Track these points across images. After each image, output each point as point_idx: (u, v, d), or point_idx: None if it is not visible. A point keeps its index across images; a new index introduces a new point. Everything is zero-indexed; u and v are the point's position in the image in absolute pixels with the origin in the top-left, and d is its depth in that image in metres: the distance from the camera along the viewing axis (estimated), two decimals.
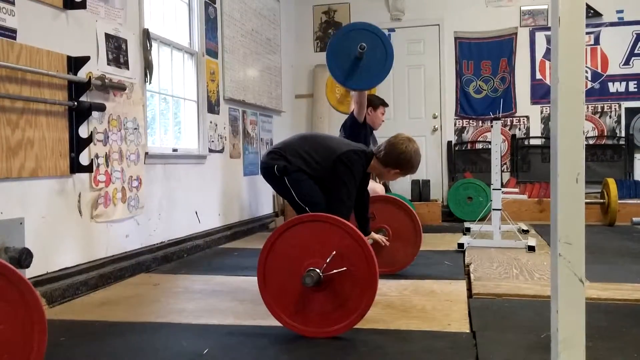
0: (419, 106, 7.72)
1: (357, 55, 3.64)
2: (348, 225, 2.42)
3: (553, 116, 1.33)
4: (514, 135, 7.48)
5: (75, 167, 3.39)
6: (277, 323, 2.49)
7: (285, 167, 3.11)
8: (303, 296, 2.44)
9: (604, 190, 6.27)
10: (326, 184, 3.12)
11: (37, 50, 3.12)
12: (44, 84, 3.17)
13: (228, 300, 3.16)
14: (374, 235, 3.50)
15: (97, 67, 3.63)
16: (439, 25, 7.66)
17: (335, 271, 2.38)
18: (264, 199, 6.66)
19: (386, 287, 3.33)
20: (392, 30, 7.67)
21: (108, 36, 3.75)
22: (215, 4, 5.45)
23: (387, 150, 3.14)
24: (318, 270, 2.38)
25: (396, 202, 3.75)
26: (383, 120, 4.78)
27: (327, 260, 2.38)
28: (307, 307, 2.45)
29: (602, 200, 6.29)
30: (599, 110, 7.25)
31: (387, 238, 3.60)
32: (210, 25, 5.34)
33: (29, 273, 2.93)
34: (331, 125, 7.32)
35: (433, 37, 7.71)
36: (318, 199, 3.10)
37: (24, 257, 2.79)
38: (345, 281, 2.40)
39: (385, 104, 4.77)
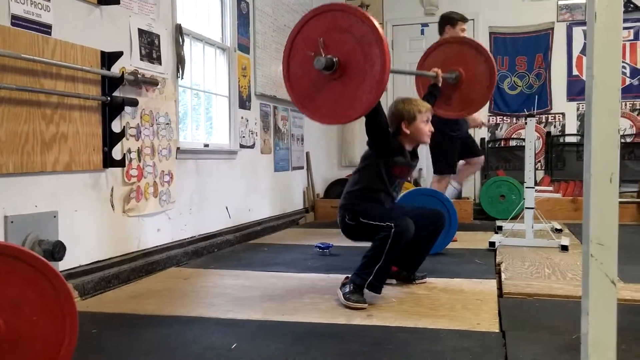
0: None
1: None
2: (359, 11, 2.64)
3: (587, 115, 1.29)
4: (548, 133, 7.35)
5: (108, 161, 3.44)
6: (305, 319, 2.48)
7: (352, 210, 3.07)
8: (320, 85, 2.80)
9: None
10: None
11: (71, 45, 3.16)
12: (77, 79, 3.21)
13: (257, 295, 3.17)
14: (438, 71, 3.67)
15: (130, 62, 3.68)
16: (473, 20, 7.55)
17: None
18: (294, 194, 6.67)
19: (415, 285, 3.31)
20: (425, 25, 7.60)
21: (141, 31, 3.79)
22: None
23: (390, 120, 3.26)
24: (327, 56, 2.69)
25: (472, 43, 3.85)
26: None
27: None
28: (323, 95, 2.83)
29: (638, 200, 6.15)
30: (638, 107, 7.09)
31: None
32: (243, 20, 5.36)
33: (62, 266, 2.99)
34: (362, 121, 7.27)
35: (467, 32, 7.55)
36: (391, 214, 3.03)
37: (57, 250, 2.84)
38: (357, 67, 2.67)
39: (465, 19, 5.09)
